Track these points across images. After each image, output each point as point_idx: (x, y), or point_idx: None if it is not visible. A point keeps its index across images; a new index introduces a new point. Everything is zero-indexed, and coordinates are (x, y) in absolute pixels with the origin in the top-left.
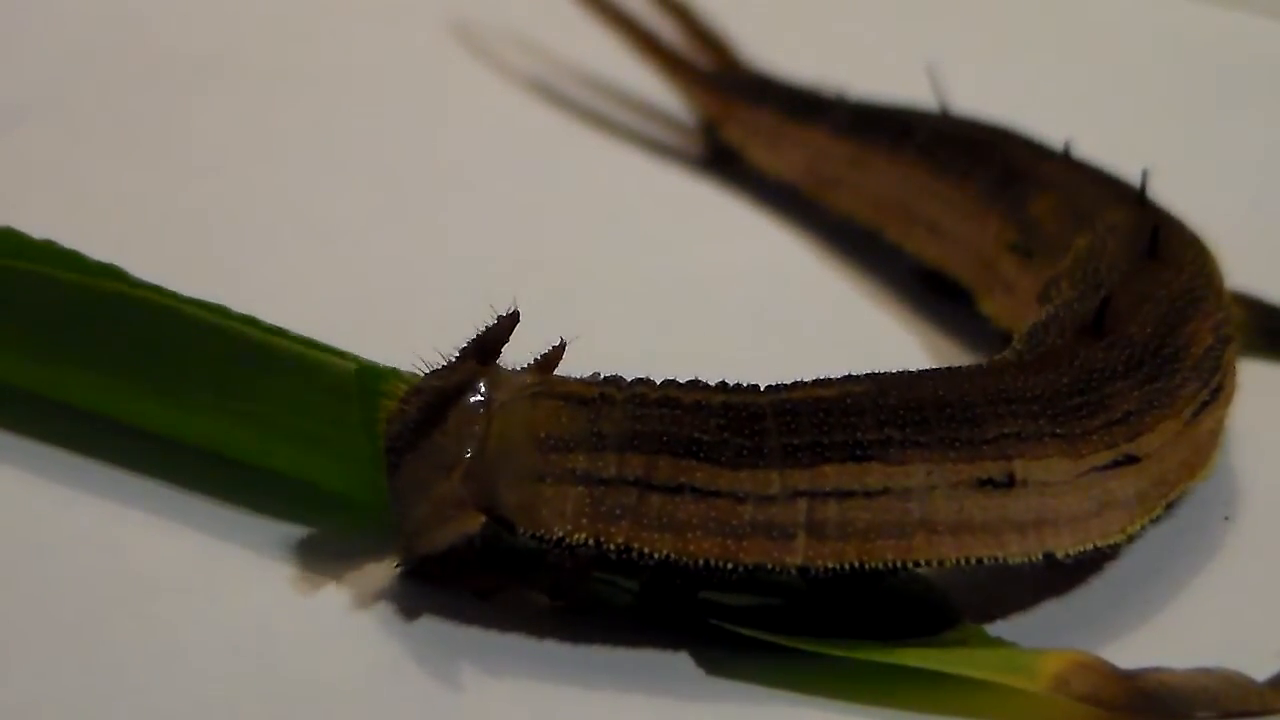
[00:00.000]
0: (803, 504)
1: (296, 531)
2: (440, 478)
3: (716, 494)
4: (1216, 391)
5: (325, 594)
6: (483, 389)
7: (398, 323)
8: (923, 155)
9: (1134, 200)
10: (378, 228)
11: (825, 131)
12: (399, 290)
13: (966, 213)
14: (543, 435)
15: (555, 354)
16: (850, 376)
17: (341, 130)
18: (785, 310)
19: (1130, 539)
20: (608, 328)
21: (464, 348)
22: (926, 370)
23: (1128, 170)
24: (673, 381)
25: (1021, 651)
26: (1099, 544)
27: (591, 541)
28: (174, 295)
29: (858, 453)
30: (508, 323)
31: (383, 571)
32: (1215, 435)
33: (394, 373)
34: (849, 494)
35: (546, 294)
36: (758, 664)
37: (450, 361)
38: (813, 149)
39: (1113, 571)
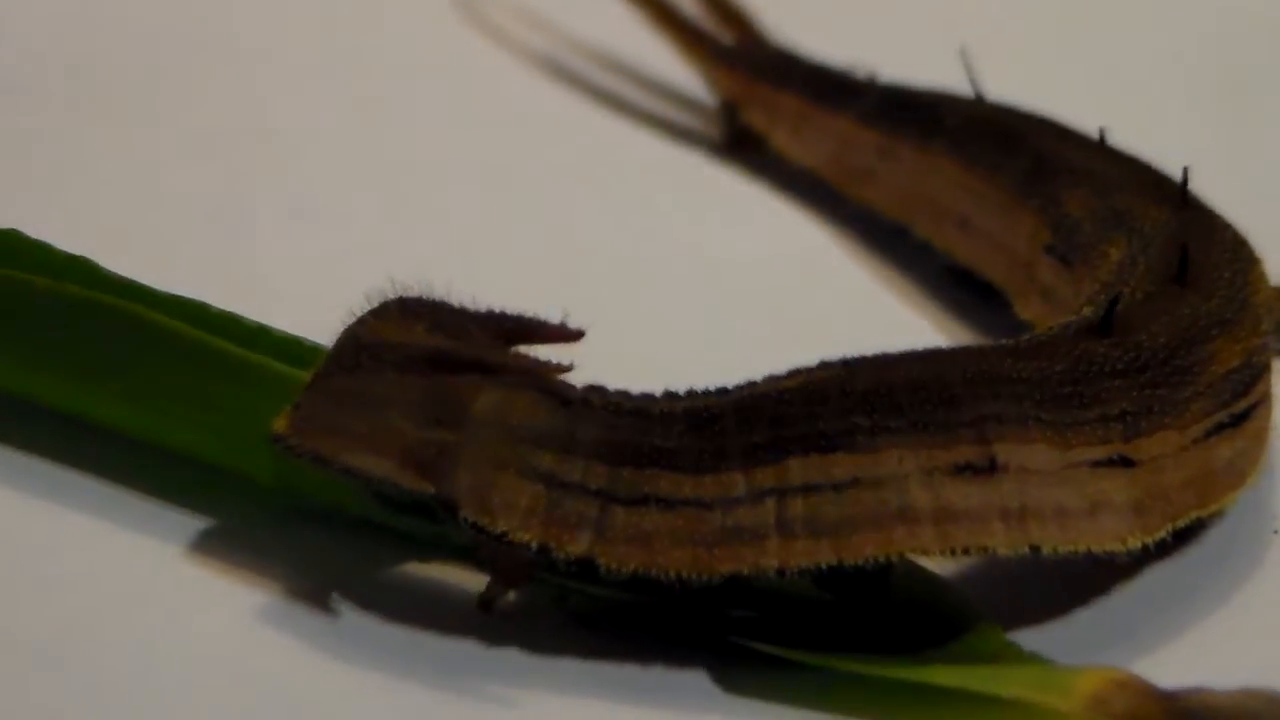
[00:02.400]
0: (770, 503)
1: (271, 536)
2: (408, 413)
3: (682, 502)
4: (1240, 419)
5: (307, 599)
6: (491, 369)
7: None
8: (953, 145)
9: (1174, 198)
10: (379, 212)
11: (852, 118)
12: (400, 277)
13: (998, 208)
14: (516, 424)
15: (558, 367)
16: (823, 363)
17: (342, 114)
18: (808, 308)
19: (1143, 557)
20: (616, 321)
21: (503, 317)
22: (904, 352)
23: (1168, 159)
24: (649, 394)
25: (1055, 668)
26: (1093, 548)
27: (537, 544)
28: (147, 292)
29: (822, 443)
30: (561, 334)
31: (373, 578)
32: (1236, 467)
33: None
34: (815, 488)
35: (554, 284)
36: (777, 681)
37: (476, 318)
38: (839, 137)
39: (1151, 582)
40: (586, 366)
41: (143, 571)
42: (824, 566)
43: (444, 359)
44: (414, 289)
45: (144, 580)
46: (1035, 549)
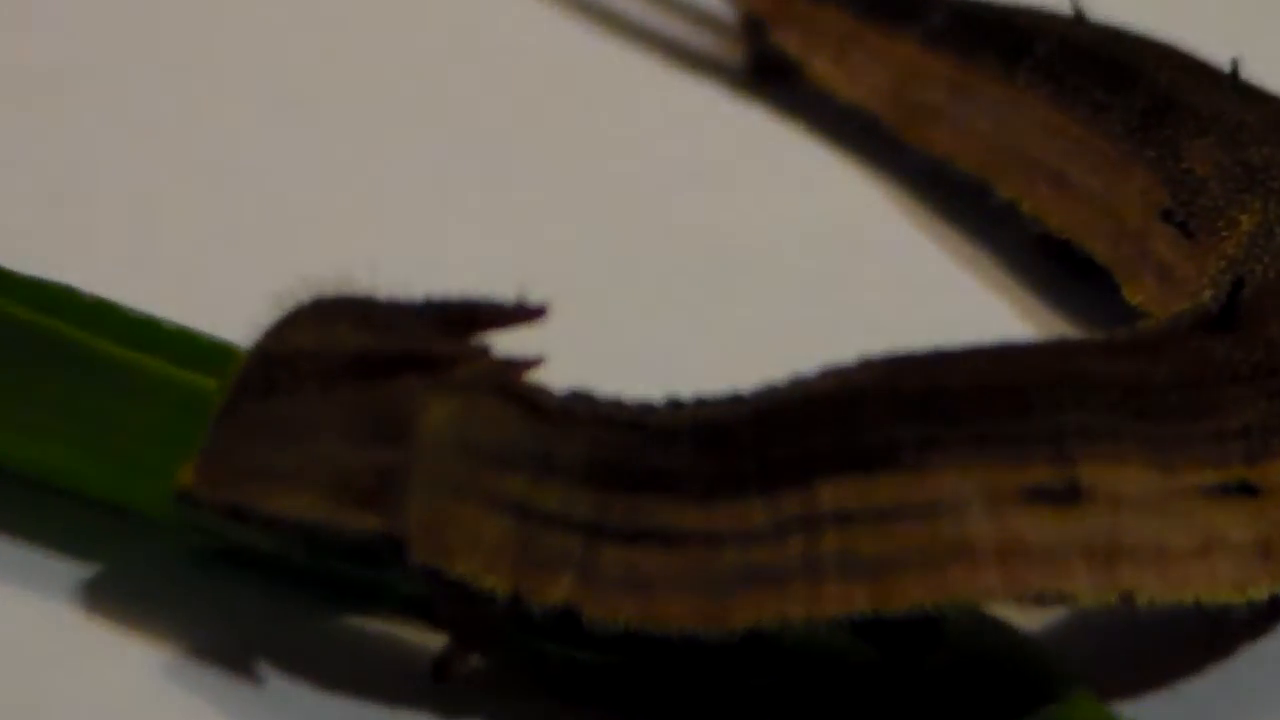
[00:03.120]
0: (797, 538)
1: (173, 583)
2: (339, 437)
3: (688, 537)
4: None
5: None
6: (439, 366)
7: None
8: (1045, 79)
9: None
10: (320, 160)
11: (916, 41)
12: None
13: (1102, 162)
14: (477, 440)
15: (526, 363)
16: (863, 362)
17: (304, 52)
18: (851, 290)
19: (1269, 612)
20: (605, 308)
21: (446, 304)
22: (964, 348)
23: None
24: (646, 402)
25: None
26: (1204, 598)
27: (507, 592)
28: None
29: (859, 461)
30: (519, 314)
31: (301, 635)
32: None
33: None
34: (851, 517)
35: (524, 259)
36: None
37: (414, 309)
38: (899, 65)
39: None
40: (567, 365)
41: (23, 628)
42: (862, 616)
43: (376, 360)
44: (333, 287)
45: (25, 638)
46: (1128, 597)
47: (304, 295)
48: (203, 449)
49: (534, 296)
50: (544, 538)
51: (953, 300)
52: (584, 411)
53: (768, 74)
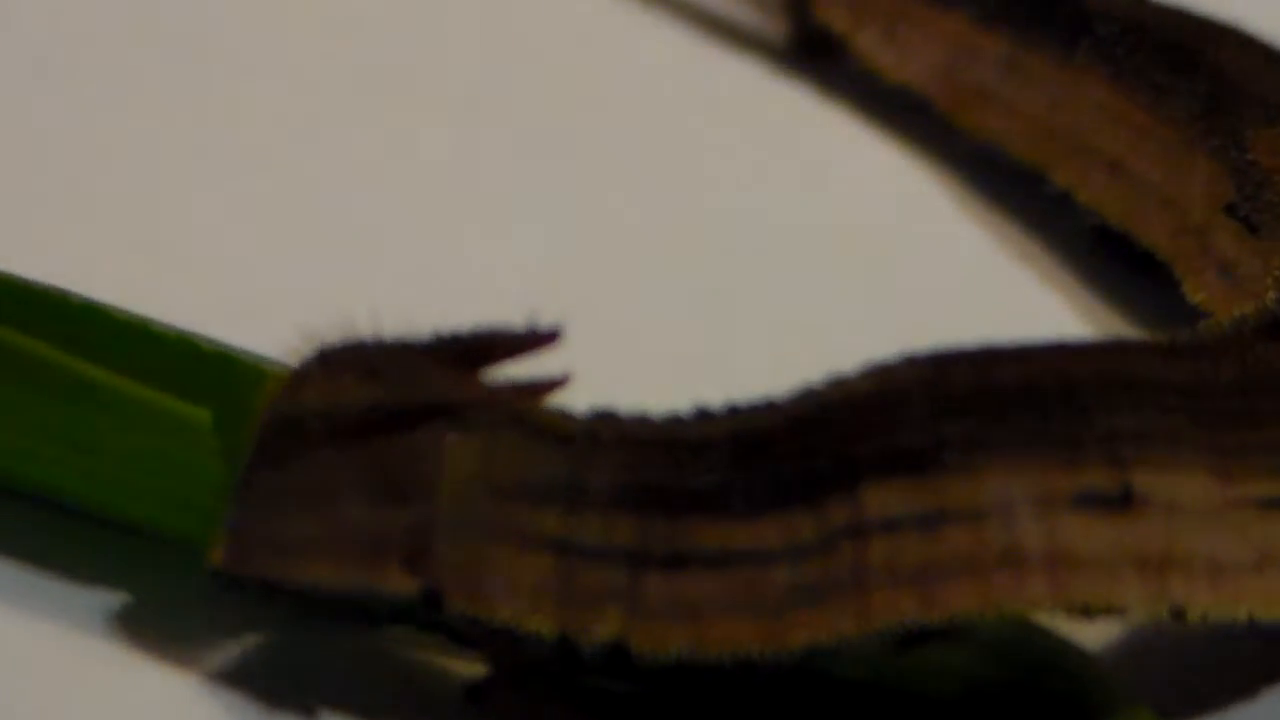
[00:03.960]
0: (846, 547)
1: (205, 609)
2: (360, 499)
3: (736, 557)
4: None
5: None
6: (455, 410)
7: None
8: (1104, 60)
9: None
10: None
11: (969, 17)
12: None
13: (1163, 150)
14: (505, 481)
15: (550, 384)
16: (908, 360)
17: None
18: (903, 278)
19: None
20: (629, 312)
21: (455, 339)
22: (1014, 345)
23: None
24: (676, 415)
25: None
26: (1257, 614)
27: (553, 632)
28: (27, 291)
29: (903, 463)
30: (531, 341)
31: (331, 658)
32: None
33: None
34: (898, 524)
35: (546, 260)
36: None
37: (422, 349)
38: (950, 43)
39: None
40: (600, 359)
41: (52, 655)
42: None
43: (389, 413)
44: (336, 334)
45: (55, 666)
46: (1178, 612)
47: (306, 349)
48: (228, 525)
49: (546, 319)
50: (585, 572)
51: (1003, 295)
52: (612, 434)
53: (811, 51)
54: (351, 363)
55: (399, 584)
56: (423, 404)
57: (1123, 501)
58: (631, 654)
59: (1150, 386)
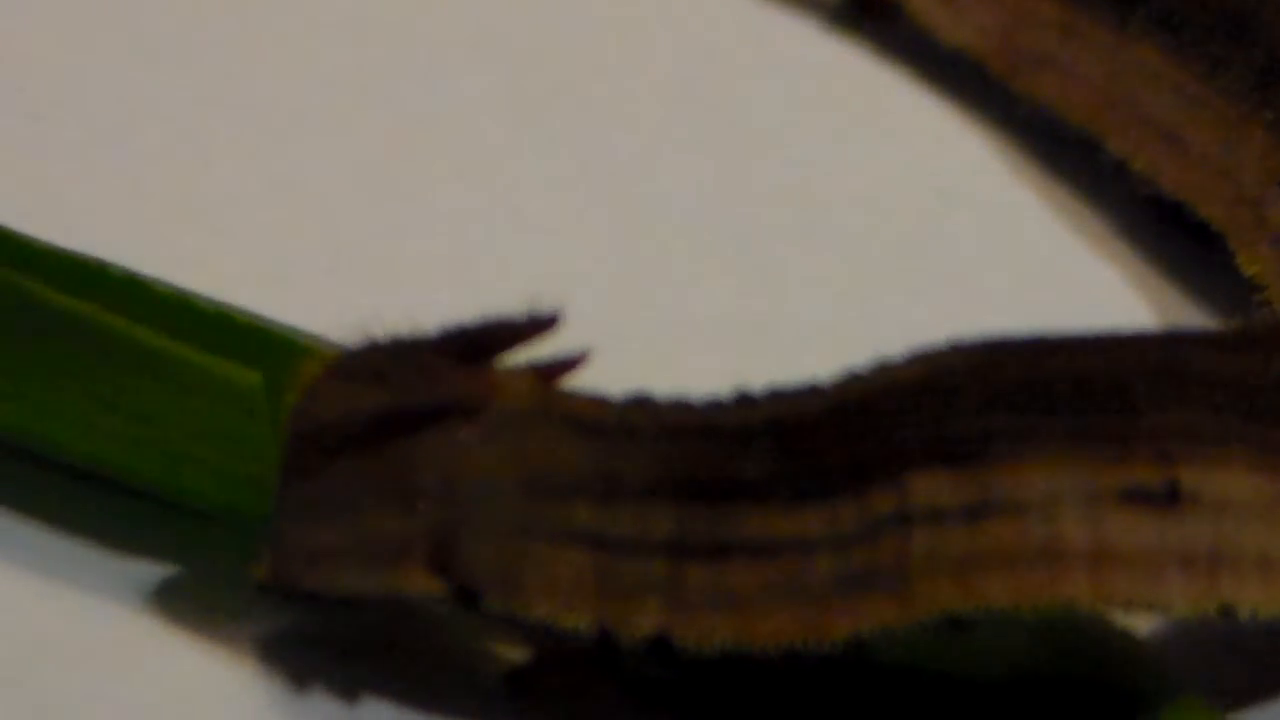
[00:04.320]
0: (891, 536)
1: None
2: (382, 505)
3: (779, 546)
4: None
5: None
6: (468, 406)
7: (388, 258)
8: (1160, 28)
9: None
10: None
11: None
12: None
13: (1218, 120)
14: (534, 475)
15: (564, 365)
16: (954, 347)
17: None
18: (956, 245)
19: None
20: (698, 259)
21: (464, 331)
22: (1062, 336)
23: None
24: (715, 399)
25: None
26: None
27: (592, 626)
28: (25, 243)
29: (949, 452)
30: (533, 327)
31: (373, 636)
32: None
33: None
34: (943, 514)
35: (620, 210)
36: None
37: (430, 346)
38: (1007, 6)
39: None
40: (645, 330)
41: (101, 630)
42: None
43: (397, 417)
44: (346, 341)
45: (104, 640)
46: (1228, 610)
47: (316, 364)
48: (269, 540)
49: (544, 304)
50: (623, 565)
51: (1057, 263)
52: (647, 421)
53: (866, 11)
54: (359, 370)
55: (425, 585)
56: (431, 404)
57: (1169, 498)
58: (673, 645)
59: (1200, 381)
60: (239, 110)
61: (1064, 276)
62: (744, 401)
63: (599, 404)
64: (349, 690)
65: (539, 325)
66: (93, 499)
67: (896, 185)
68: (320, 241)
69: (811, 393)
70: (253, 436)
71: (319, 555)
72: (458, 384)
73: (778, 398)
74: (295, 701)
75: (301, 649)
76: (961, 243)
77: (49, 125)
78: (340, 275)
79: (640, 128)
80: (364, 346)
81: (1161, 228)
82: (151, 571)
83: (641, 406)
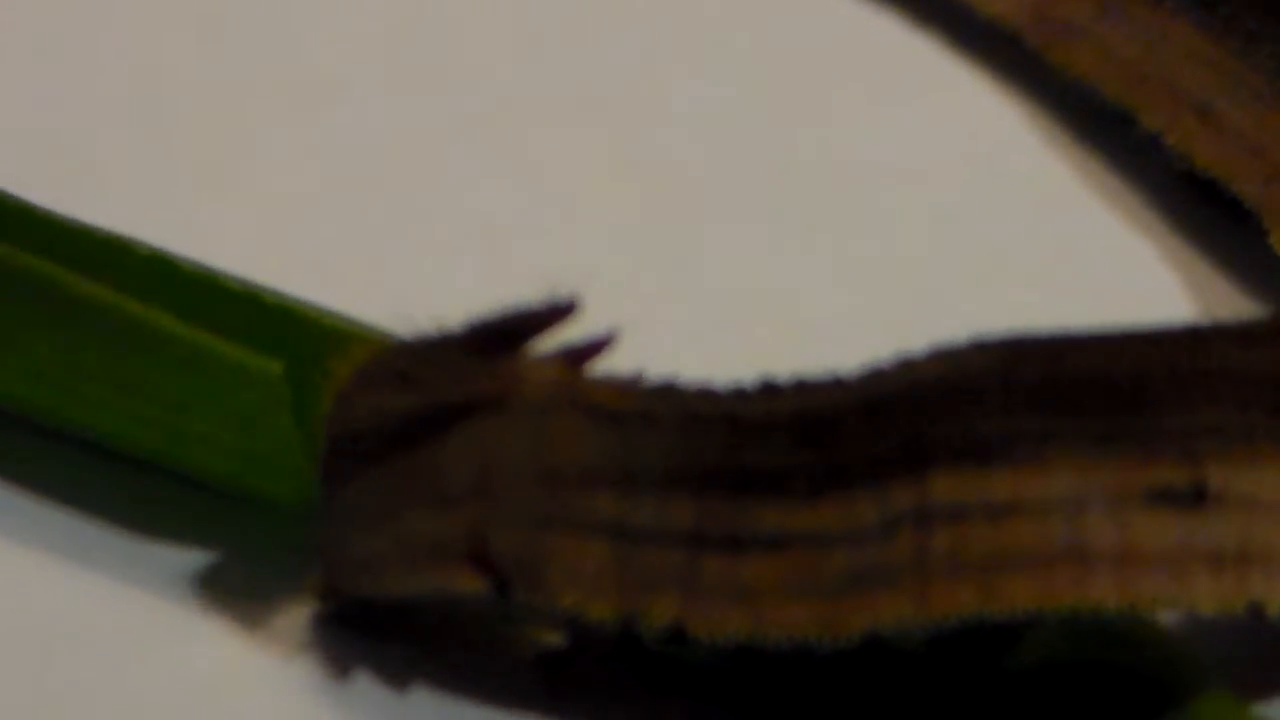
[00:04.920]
0: (908, 533)
1: (284, 572)
2: (419, 506)
3: (796, 540)
4: None
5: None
6: (494, 401)
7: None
8: (1195, 3)
9: None
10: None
11: None
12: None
13: (1252, 96)
14: (555, 464)
15: (593, 349)
16: (976, 345)
17: None
18: (988, 218)
19: None
20: (728, 234)
21: (485, 325)
22: (1085, 333)
23: None
24: (738, 388)
25: None
26: None
27: (614, 617)
28: (54, 221)
29: (973, 451)
30: (552, 315)
31: (406, 623)
32: None
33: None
34: (965, 512)
35: (650, 184)
36: None
37: (454, 343)
38: None
39: None
40: (682, 303)
41: (138, 614)
42: (968, 618)
43: (426, 418)
44: (374, 323)
45: (141, 624)
46: (1257, 609)
47: (345, 369)
48: (320, 549)
49: (563, 291)
50: (643, 555)
51: (1089, 237)
52: (668, 410)
53: None
54: (386, 373)
55: (469, 583)
56: (458, 402)
57: (1196, 498)
58: (693, 637)
59: (1226, 377)
60: (271, 89)
61: (1095, 252)
62: (767, 392)
63: (623, 391)
64: (387, 674)
65: (559, 313)
66: (137, 486)
67: (929, 158)
68: (351, 222)
69: (834, 386)
70: (275, 423)
71: (365, 562)
72: (482, 380)
73: (800, 390)
74: (334, 687)
75: (338, 634)
76: (994, 214)
77: (80, 99)
78: (370, 255)
79: (671, 102)
80: (386, 352)
81: (1196, 204)
82: (193, 558)
83: (665, 394)
